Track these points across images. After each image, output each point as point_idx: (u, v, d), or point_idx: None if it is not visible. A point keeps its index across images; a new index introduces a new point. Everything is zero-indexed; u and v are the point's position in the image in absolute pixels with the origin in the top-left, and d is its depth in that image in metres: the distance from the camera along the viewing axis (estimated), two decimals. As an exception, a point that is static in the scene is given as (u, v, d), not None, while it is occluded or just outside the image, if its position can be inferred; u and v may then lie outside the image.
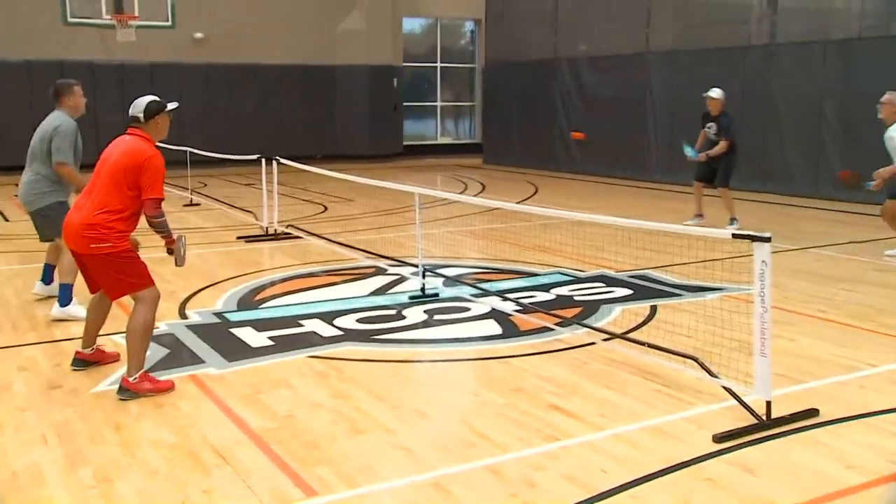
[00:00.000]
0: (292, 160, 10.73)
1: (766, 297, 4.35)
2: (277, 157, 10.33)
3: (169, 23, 16.14)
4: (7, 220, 11.95)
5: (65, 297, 6.53)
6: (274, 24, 19.87)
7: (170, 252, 5.34)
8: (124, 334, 5.03)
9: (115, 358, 5.44)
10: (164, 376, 5.11)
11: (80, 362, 5.33)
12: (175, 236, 5.31)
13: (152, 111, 5.09)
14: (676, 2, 16.29)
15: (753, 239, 4.30)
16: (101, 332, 5.42)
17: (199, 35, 18.89)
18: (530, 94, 19.70)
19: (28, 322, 6.52)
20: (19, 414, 4.61)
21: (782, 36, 14.49)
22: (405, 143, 22.34)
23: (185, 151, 14.27)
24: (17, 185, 16.20)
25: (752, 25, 15.23)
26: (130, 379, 4.86)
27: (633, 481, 3.76)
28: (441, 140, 23.81)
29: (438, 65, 23.35)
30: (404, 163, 20.72)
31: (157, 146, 5.07)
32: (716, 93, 10.59)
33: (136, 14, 15.50)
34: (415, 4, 22.27)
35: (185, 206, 13.29)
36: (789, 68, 14.27)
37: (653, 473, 3.84)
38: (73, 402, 4.79)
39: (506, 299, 6.95)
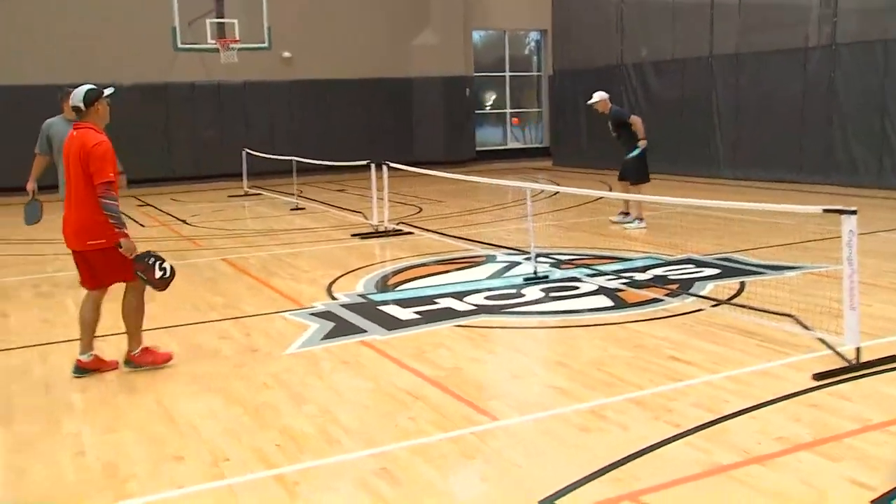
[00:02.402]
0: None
1: (853, 261, 5.21)
2: (387, 162, 11.43)
3: (266, 44, 17.40)
4: (143, 226, 13.25)
5: None
6: (354, 41, 21.11)
7: (119, 247, 5.42)
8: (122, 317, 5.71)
9: (114, 365, 5.77)
10: (336, 343, 6.18)
11: (83, 371, 5.63)
12: (128, 234, 5.48)
13: (91, 99, 5.40)
14: (737, 6, 17.05)
15: (842, 212, 5.19)
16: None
17: (287, 54, 20.20)
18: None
19: (206, 304, 7.65)
20: (238, 369, 5.70)
21: (843, 36, 15.16)
22: (477, 148, 23.43)
23: (291, 160, 15.52)
24: (133, 196, 17.66)
25: (812, 27, 15.91)
26: (134, 353, 5.66)
27: (752, 407, 4.68)
28: (510, 145, 24.81)
29: (507, 74, 24.37)
30: (477, 167, 21.74)
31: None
32: (595, 96, 11.37)
33: (238, 38, 16.81)
34: (484, 18, 23.36)
35: (291, 210, 14.48)
36: (851, 67, 14.96)
37: (766, 402, 4.76)
38: (274, 360, 5.87)
39: (616, 277, 7.95)
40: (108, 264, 5.50)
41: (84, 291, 5.85)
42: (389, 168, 11.48)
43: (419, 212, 13.73)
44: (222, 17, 17.09)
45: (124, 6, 18.71)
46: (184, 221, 13.63)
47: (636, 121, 11.28)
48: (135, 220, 14.00)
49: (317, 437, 4.45)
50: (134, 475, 4.08)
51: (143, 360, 5.70)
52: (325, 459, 4.19)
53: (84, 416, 4.95)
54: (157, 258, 5.69)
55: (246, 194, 17.41)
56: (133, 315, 5.67)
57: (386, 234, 11.18)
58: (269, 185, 18.28)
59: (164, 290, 5.80)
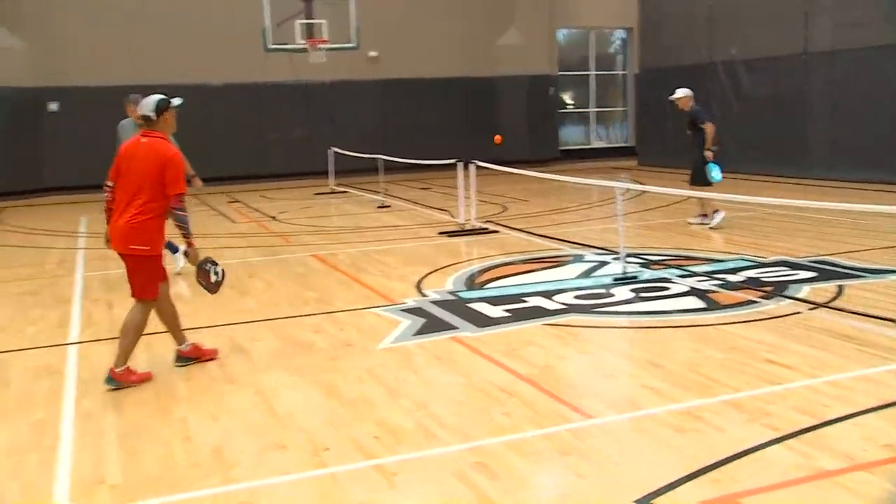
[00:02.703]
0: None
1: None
2: (475, 161, 11.50)
3: (353, 44, 17.67)
4: (234, 222, 13.65)
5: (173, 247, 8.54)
6: (439, 41, 21.27)
7: (186, 255, 5.70)
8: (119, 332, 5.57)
9: (213, 355, 5.96)
10: (427, 339, 6.28)
11: (186, 359, 5.87)
12: (197, 251, 5.65)
13: (161, 108, 5.53)
14: (832, 2, 16.54)
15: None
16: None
17: (373, 53, 20.48)
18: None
19: (299, 299, 7.85)
20: (334, 363, 5.84)
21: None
22: (560, 147, 23.32)
23: (377, 159, 15.75)
24: (224, 193, 18.17)
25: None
26: (117, 370, 5.42)
27: (855, 413, 4.57)
28: (594, 144, 24.62)
29: (591, 73, 24.18)
30: (561, 166, 21.63)
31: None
32: (678, 92, 11.23)
33: (326, 38, 17.11)
34: (569, 17, 23.22)
35: (378, 207, 14.70)
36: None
37: (870, 408, 4.64)
38: (368, 354, 6.00)
39: (708, 278, 7.86)
40: (141, 272, 5.54)
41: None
42: (476, 167, 11.54)
43: (504, 210, 13.76)
44: (311, 18, 17.40)
45: (216, 8, 19.27)
46: (273, 218, 13.97)
47: (709, 129, 11.09)
48: (226, 216, 14.42)
49: (414, 430, 4.54)
50: (239, 461, 4.24)
51: (126, 378, 5.46)
52: (423, 452, 4.28)
53: (189, 403, 5.16)
54: (212, 263, 5.84)
55: (332, 192, 17.73)
56: (133, 332, 5.53)
57: (473, 232, 11.26)
58: (355, 183, 18.57)
59: (216, 293, 5.97)
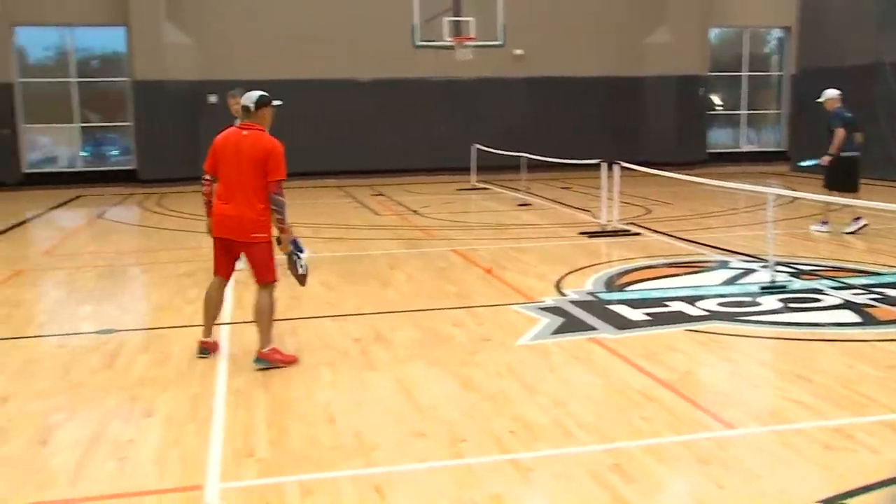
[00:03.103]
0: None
1: None
2: (619, 162, 11.36)
3: (500, 42, 17.78)
4: (378, 214, 14.03)
5: None
6: (587, 39, 21.10)
7: (278, 241, 5.80)
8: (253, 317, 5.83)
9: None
10: (566, 338, 6.26)
11: (206, 350, 6.00)
12: (294, 241, 5.83)
13: (261, 103, 5.75)
14: None
15: None
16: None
17: (519, 51, 20.54)
18: (845, 100, 19.23)
19: (440, 292, 7.99)
20: (472, 356, 5.92)
21: None
22: (708, 150, 22.64)
23: (519, 157, 15.79)
24: (368, 186, 18.65)
25: None
26: (264, 351, 5.70)
27: None
28: (744, 148, 23.76)
29: (744, 73, 23.34)
30: (708, 170, 20.99)
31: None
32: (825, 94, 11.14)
33: (473, 35, 17.29)
34: (723, 15, 22.49)
35: (518, 205, 14.74)
36: None
37: None
38: (507, 350, 6.04)
39: (865, 291, 7.47)
40: (261, 258, 5.76)
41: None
42: (620, 168, 11.39)
43: (647, 213, 13.50)
44: (459, 16, 17.63)
45: (367, 5, 19.84)
46: (415, 212, 14.24)
47: (838, 134, 10.89)
48: (370, 209, 14.82)
49: (551, 428, 4.56)
50: (380, 446, 4.37)
51: (272, 357, 5.73)
52: (559, 450, 4.28)
53: (333, 388, 5.35)
54: (299, 251, 5.99)
55: (474, 188, 17.89)
56: (267, 314, 5.77)
57: (614, 233, 11.12)
58: (497, 181, 18.67)
59: (302, 285, 6.16)
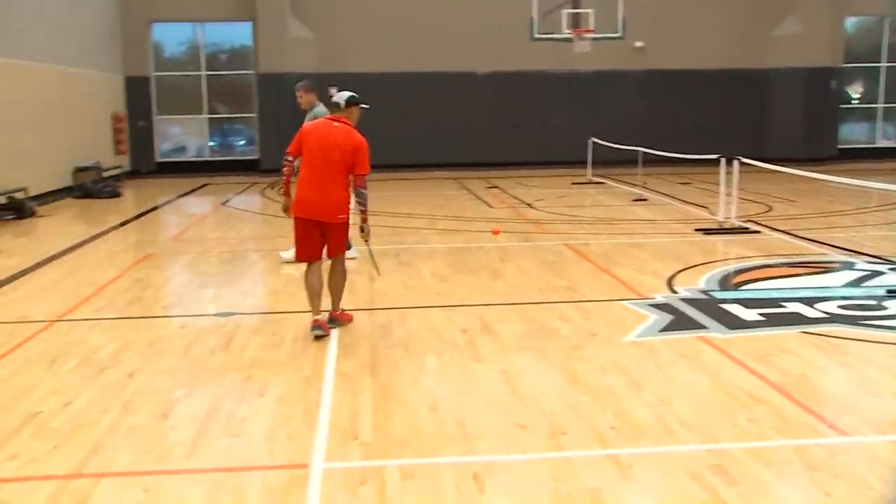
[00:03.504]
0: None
1: None
2: (739, 157, 11.03)
3: (619, 34, 17.52)
4: (491, 207, 14.10)
5: None
6: (710, 31, 20.53)
7: (361, 230, 6.35)
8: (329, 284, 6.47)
9: (349, 318, 6.71)
10: (674, 336, 6.16)
11: (334, 322, 6.55)
12: (368, 227, 6.36)
13: (350, 103, 6.30)
14: None
15: None
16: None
17: (639, 44, 20.18)
18: None
19: (549, 285, 7.98)
20: (578, 351, 5.90)
21: None
22: (839, 146, 21.63)
23: (637, 151, 15.54)
24: (483, 178, 18.71)
25: None
26: (337, 312, 6.57)
27: None
28: (879, 143, 22.58)
29: (882, 64, 22.14)
30: (839, 166, 20.08)
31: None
32: None
33: (592, 28, 17.11)
34: (859, 3, 21.42)
35: (634, 200, 14.51)
36: None
37: None
38: (613, 346, 5.99)
39: None
40: (340, 236, 6.36)
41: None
42: (740, 163, 11.05)
43: (769, 210, 13.05)
44: (578, 8, 17.46)
45: (486, -1, 19.94)
46: (529, 205, 14.22)
47: None
48: (484, 201, 14.89)
49: (653, 425, 4.50)
50: (481, 435, 4.43)
51: (343, 318, 6.63)
52: (661, 448, 4.23)
53: (438, 376, 5.44)
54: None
55: (589, 182, 17.71)
56: (342, 282, 6.54)
57: (732, 231, 10.81)
58: (613, 175, 18.42)
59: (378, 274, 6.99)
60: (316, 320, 6.31)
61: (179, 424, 4.64)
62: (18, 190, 13.50)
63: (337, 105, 6.31)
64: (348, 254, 9.33)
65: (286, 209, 6.54)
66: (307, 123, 6.58)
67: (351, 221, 6.38)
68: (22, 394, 5.15)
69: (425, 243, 10.52)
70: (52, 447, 4.33)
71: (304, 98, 8.80)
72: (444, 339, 6.20)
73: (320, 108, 9.32)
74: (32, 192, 13.96)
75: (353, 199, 6.25)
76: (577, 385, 5.17)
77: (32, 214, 13.45)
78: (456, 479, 3.92)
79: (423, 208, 13.92)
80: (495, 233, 8.73)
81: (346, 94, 6.35)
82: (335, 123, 6.21)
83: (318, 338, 6.20)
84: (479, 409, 4.82)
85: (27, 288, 8.24)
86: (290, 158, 6.32)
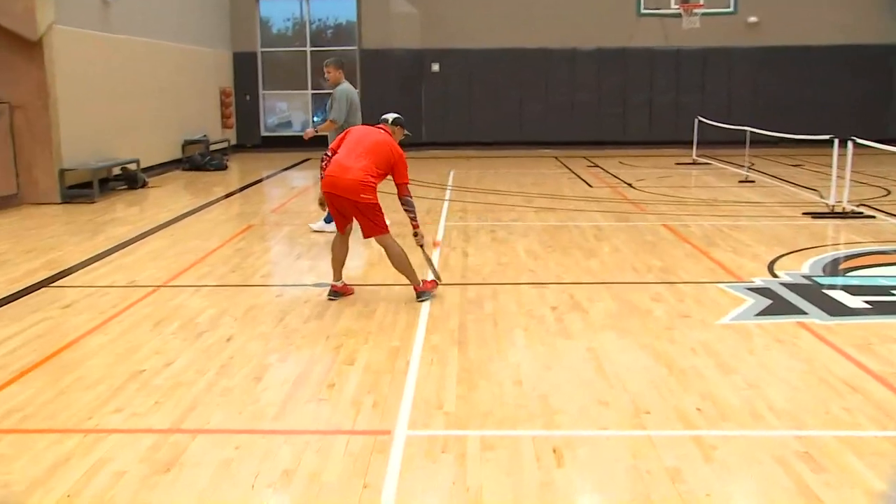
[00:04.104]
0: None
1: None
2: (853, 138, 10.56)
3: (731, 9, 16.99)
4: (591, 186, 13.94)
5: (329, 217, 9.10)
6: (828, 4, 19.62)
7: (415, 235, 6.77)
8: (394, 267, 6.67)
9: (352, 291, 6.88)
10: (771, 320, 5.99)
11: (334, 293, 6.73)
12: (420, 232, 6.83)
13: (396, 123, 6.87)
14: None
15: None
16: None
17: (753, 19, 19.50)
18: None
19: (644, 265, 7.86)
20: (668, 332, 5.81)
21: None
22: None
23: (745, 131, 15.05)
24: (583, 157, 18.37)
25: None
26: (419, 287, 6.66)
27: None
28: None
29: None
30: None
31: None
32: None
33: (701, 2, 16.63)
34: None
35: (740, 182, 14.09)
36: None
37: None
38: (705, 328, 5.87)
39: None
40: (369, 215, 6.49)
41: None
42: (855, 145, 10.57)
43: (887, 195, 12.45)
44: (689, -17, 17.02)
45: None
46: (629, 185, 13.99)
47: None
48: (584, 181, 14.72)
49: (740, 409, 4.40)
50: (563, 410, 4.43)
51: (426, 288, 6.71)
52: (747, 431, 4.14)
53: (524, 350, 5.46)
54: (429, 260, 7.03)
55: (694, 163, 17.26)
56: (402, 261, 6.62)
57: (843, 215, 10.37)
58: (720, 155, 17.90)
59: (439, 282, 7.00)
60: (332, 285, 6.76)
61: (270, 387, 4.81)
62: (132, 161, 14.13)
63: (385, 121, 6.84)
64: (316, 225, 9.71)
65: (321, 201, 6.95)
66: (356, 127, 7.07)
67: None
68: (128, 352, 5.44)
69: (521, 220, 10.50)
70: (153, 403, 4.56)
71: (332, 75, 9.47)
72: (533, 315, 6.21)
73: (345, 86, 9.59)
74: (144, 164, 14.59)
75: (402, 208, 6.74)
76: (665, 366, 5.10)
77: (144, 185, 14.06)
78: (535, 451, 3.94)
79: (520, 186, 13.87)
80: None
81: (393, 115, 6.92)
82: (382, 131, 6.72)
83: (330, 300, 6.65)
84: (563, 384, 4.81)
85: (137, 255, 8.64)
86: (329, 154, 6.65)
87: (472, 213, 11.09)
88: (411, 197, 6.69)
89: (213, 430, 4.25)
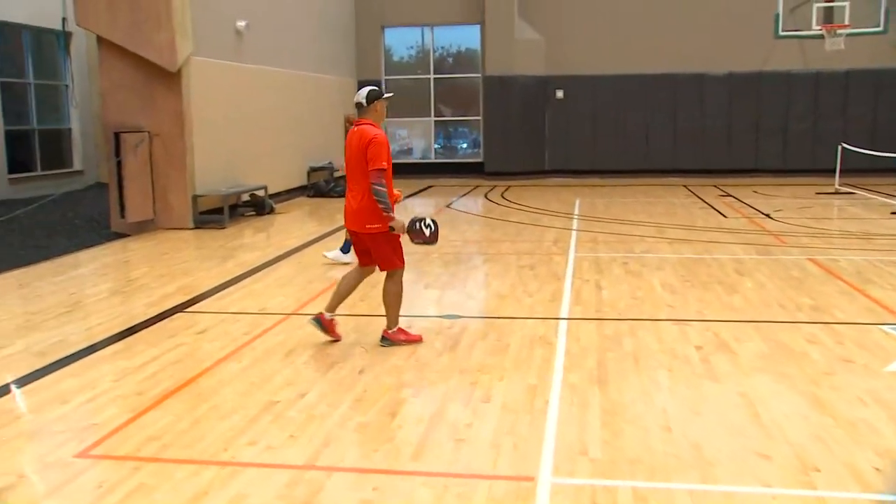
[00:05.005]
0: None
1: None
2: None
3: (880, 28, 16.00)
4: (725, 217, 13.35)
5: (346, 247, 9.10)
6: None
7: (391, 229, 5.90)
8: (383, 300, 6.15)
9: (337, 337, 6.25)
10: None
11: (317, 322, 6.18)
12: (395, 217, 5.87)
13: (372, 98, 5.92)
14: None
15: None
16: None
17: (902, 39, 18.44)
18: None
19: (793, 303, 7.33)
20: (828, 377, 5.33)
21: None
22: None
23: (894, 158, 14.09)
24: (714, 185, 17.69)
25: None
26: (390, 331, 6.10)
27: None
28: None
29: None
30: None
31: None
32: None
33: (847, 22, 15.77)
34: None
35: (892, 213, 13.18)
36: None
37: None
38: (872, 375, 5.36)
39: None
40: (382, 247, 6.00)
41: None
42: None
43: None
44: (831, 1, 16.16)
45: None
46: (767, 215, 13.31)
47: None
48: (717, 210, 14.12)
49: (926, 470, 3.95)
50: (718, 461, 4.08)
51: (395, 338, 6.13)
52: (937, 498, 3.69)
53: (670, 393, 5.11)
54: (419, 220, 6.13)
55: (836, 192, 16.31)
56: (394, 300, 6.11)
57: None
58: (866, 185, 16.88)
59: (436, 242, 6.27)
60: (321, 314, 6.24)
61: (406, 424, 4.64)
62: (260, 188, 14.45)
63: (360, 106, 6.00)
64: (331, 254, 9.44)
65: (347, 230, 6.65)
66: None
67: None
68: (261, 381, 5.39)
69: (653, 252, 10.09)
70: (288, 436, 4.46)
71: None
72: (676, 355, 5.84)
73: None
74: (271, 190, 14.89)
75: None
76: (828, 415, 4.66)
77: (271, 211, 14.33)
78: (694, 509, 3.61)
79: (650, 216, 13.41)
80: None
81: (365, 90, 6.03)
82: (355, 128, 5.98)
83: (310, 324, 6.23)
84: (716, 432, 4.45)
85: (266, 281, 8.71)
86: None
87: (603, 244, 10.73)
88: (383, 187, 5.77)
89: (349, 468, 4.10)
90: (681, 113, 19.52)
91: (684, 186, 18.35)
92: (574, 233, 11.76)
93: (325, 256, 9.52)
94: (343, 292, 6.24)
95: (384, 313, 6.21)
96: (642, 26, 19.50)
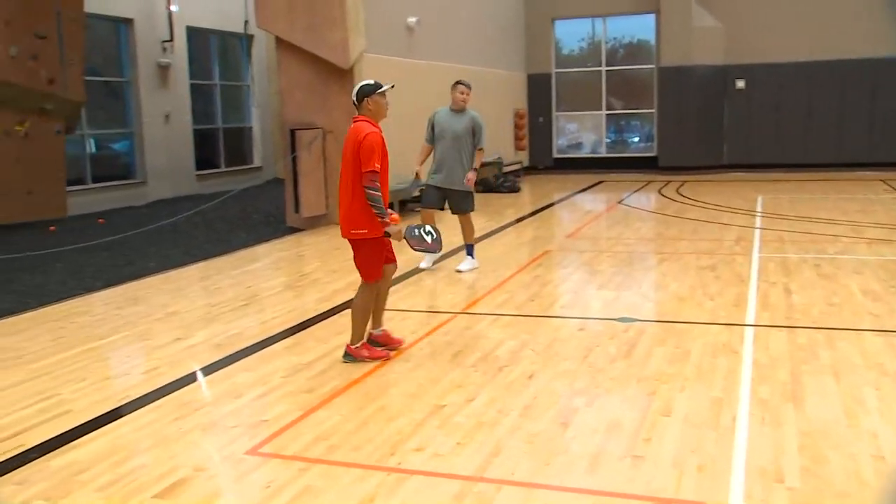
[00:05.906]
0: None
1: None
2: None
3: None
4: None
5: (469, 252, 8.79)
6: None
7: (386, 234, 5.55)
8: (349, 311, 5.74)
9: (399, 342, 5.94)
10: None
11: (374, 343, 5.83)
12: (392, 223, 5.52)
13: (362, 95, 5.53)
14: None
15: None
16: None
17: None
18: None
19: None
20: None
21: None
22: None
23: None
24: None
25: None
26: (352, 346, 5.67)
27: None
28: None
29: None
30: None
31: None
32: None
33: None
34: None
35: None
36: None
37: None
38: None
39: None
40: (361, 255, 5.64)
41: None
42: None
43: None
44: None
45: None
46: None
47: None
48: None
49: None
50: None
51: (357, 353, 5.71)
52: None
53: (880, 416, 4.53)
54: (418, 226, 5.97)
55: None
56: (360, 313, 5.68)
57: None
58: None
59: (440, 249, 6.20)
60: (370, 332, 5.86)
61: (580, 436, 4.35)
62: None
63: (354, 105, 5.63)
64: (468, 266, 8.78)
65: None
66: None
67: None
68: (428, 383, 5.24)
69: (850, 254, 9.24)
70: (455, 444, 4.28)
71: (470, 98, 9.26)
72: (885, 371, 5.22)
73: (440, 109, 9.38)
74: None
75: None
76: None
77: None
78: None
79: (843, 213, 12.37)
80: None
81: (357, 85, 5.64)
82: (352, 125, 5.61)
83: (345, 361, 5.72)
84: None
85: (434, 277, 8.63)
86: None
87: (791, 244, 9.93)
88: (376, 190, 5.41)
89: (519, 482, 3.85)
90: (880, 101, 18.00)
91: (882, 181, 16.87)
92: (757, 231, 11.00)
93: (460, 271, 8.82)
94: (379, 304, 5.88)
95: (553, 314, 5.93)
96: (833, 7, 18.11)
